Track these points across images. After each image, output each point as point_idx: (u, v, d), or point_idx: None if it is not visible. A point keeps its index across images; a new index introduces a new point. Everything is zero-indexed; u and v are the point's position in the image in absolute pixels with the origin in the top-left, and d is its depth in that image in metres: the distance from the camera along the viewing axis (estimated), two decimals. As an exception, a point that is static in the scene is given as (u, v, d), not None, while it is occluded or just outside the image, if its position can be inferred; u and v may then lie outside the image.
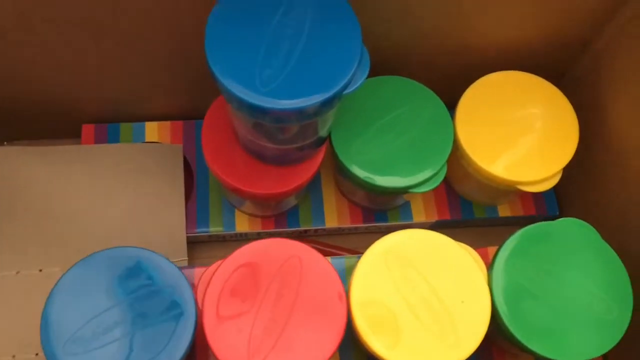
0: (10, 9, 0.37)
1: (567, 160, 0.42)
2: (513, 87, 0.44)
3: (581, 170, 0.47)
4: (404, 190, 0.41)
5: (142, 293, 0.34)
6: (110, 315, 0.34)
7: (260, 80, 0.31)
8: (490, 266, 0.38)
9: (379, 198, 0.46)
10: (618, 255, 0.38)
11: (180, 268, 0.35)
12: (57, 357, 0.33)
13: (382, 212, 0.49)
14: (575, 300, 0.37)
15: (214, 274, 0.35)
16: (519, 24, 0.43)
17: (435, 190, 0.42)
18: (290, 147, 0.37)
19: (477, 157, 0.42)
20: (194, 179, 0.48)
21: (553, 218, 0.44)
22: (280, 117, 0.31)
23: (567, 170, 0.42)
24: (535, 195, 0.50)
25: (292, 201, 0.46)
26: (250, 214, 0.48)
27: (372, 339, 0.34)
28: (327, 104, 0.31)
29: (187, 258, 0.46)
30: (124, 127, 0.49)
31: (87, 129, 0.49)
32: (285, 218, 0.48)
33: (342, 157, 0.41)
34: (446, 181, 0.49)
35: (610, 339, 0.36)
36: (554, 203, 0.50)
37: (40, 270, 0.44)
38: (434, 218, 0.49)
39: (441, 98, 0.43)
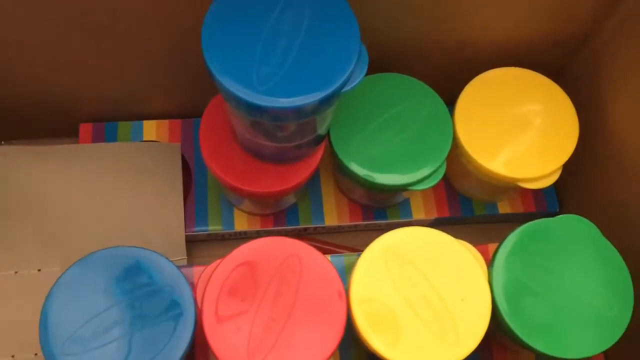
0: (9, 9, 0.37)
1: (567, 157, 0.42)
2: (512, 84, 0.43)
3: (581, 167, 0.47)
4: (404, 187, 0.41)
5: (141, 292, 0.34)
6: (109, 315, 0.34)
7: (258, 79, 0.31)
8: (490, 263, 0.38)
9: (379, 196, 0.46)
10: (618, 251, 0.38)
11: (179, 267, 0.35)
12: (56, 357, 0.33)
13: (381, 210, 0.49)
14: (575, 297, 0.36)
15: (213, 273, 0.35)
16: (518, 21, 0.43)
17: (434, 187, 0.42)
18: (288, 145, 0.37)
19: (476, 154, 0.42)
20: (193, 177, 0.48)
21: (553, 215, 0.44)
22: (278, 116, 0.31)
23: (567, 167, 0.42)
24: (535, 192, 0.50)
25: (291, 199, 0.46)
26: (249, 213, 0.48)
27: (372, 337, 0.34)
28: (325, 102, 0.31)
29: (186, 257, 0.46)
30: (122, 125, 0.49)
31: (85, 128, 0.49)
32: (284, 216, 0.48)
33: (341, 155, 0.41)
34: (445, 178, 0.49)
35: (610, 336, 0.36)
36: (554, 200, 0.50)
37: (39, 270, 0.44)
38: (434, 215, 0.49)
39: (440, 95, 0.43)
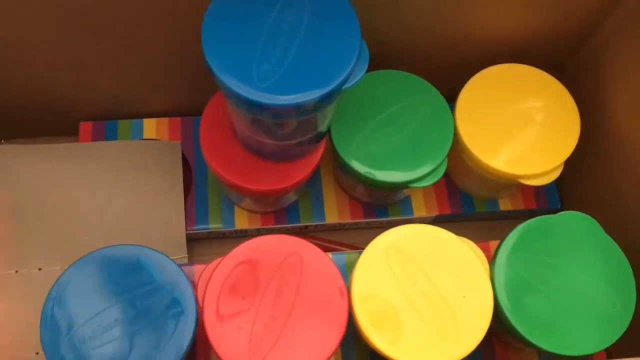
0: (9, 9, 0.37)
1: (569, 154, 0.42)
2: (513, 80, 0.43)
3: (583, 163, 0.47)
4: (405, 185, 0.41)
5: (141, 291, 0.34)
6: (110, 314, 0.34)
7: (258, 76, 0.30)
8: (492, 260, 0.37)
9: (380, 193, 0.46)
10: (621, 248, 0.38)
11: (180, 265, 0.35)
12: (57, 356, 0.33)
13: (382, 207, 0.49)
14: (578, 293, 0.36)
15: (213, 271, 0.35)
16: (519, 16, 0.43)
17: (435, 184, 0.42)
18: (289, 143, 0.37)
19: (477, 150, 0.42)
20: (193, 175, 0.48)
21: (555, 211, 0.43)
22: (279, 113, 0.31)
23: (569, 163, 0.42)
24: (537, 188, 0.50)
25: (292, 197, 0.46)
26: (249, 211, 0.48)
27: (374, 335, 0.34)
28: (325, 99, 0.31)
29: (186, 255, 0.46)
30: (122, 124, 0.49)
31: (85, 127, 0.49)
32: (285, 214, 0.48)
33: (342, 153, 0.41)
34: (447, 175, 0.48)
35: (613, 333, 0.36)
36: (555, 196, 0.50)
37: (40, 269, 0.44)
38: (435, 212, 0.49)
39: (441, 92, 0.42)
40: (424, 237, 0.36)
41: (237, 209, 0.48)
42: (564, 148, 0.42)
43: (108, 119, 0.49)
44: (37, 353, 0.42)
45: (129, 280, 0.35)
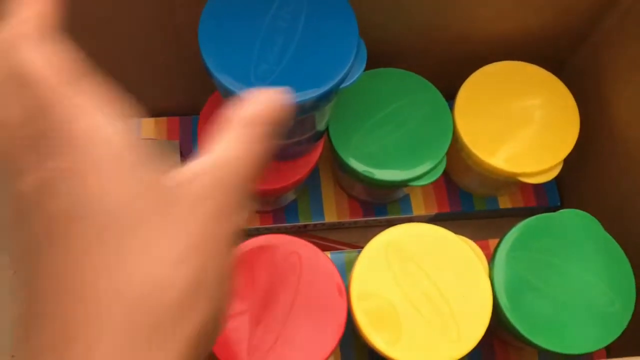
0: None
1: (568, 151, 0.41)
2: (512, 78, 0.43)
3: (583, 161, 0.46)
4: (403, 183, 0.41)
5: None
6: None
7: (256, 76, 0.30)
8: (491, 259, 0.37)
9: (378, 191, 0.46)
10: (621, 245, 0.38)
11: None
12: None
13: (381, 206, 0.48)
14: (577, 292, 0.36)
15: (212, 271, 0.35)
16: (518, 14, 0.43)
17: (434, 182, 0.42)
18: (287, 142, 0.37)
19: (476, 149, 0.42)
20: (192, 175, 0.48)
21: (555, 209, 0.43)
22: (277, 112, 0.31)
23: (569, 161, 0.42)
24: (536, 186, 0.50)
25: (290, 196, 0.46)
26: (248, 210, 0.48)
27: (373, 334, 0.34)
28: (323, 98, 0.31)
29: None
30: (120, 123, 0.49)
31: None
32: (283, 213, 0.48)
33: (341, 151, 0.40)
34: (446, 173, 0.48)
35: (612, 331, 0.36)
36: (555, 194, 0.50)
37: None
38: (434, 211, 0.48)
39: (440, 89, 0.42)
40: (423, 236, 0.36)
41: (235, 208, 0.48)
42: (563, 146, 0.42)
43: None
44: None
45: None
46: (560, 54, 0.47)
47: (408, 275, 0.35)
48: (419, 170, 0.40)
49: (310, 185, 0.48)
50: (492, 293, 0.35)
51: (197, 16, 0.31)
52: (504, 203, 0.49)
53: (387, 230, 0.36)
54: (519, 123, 0.42)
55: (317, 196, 0.48)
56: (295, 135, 0.36)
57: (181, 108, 0.49)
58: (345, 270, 0.41)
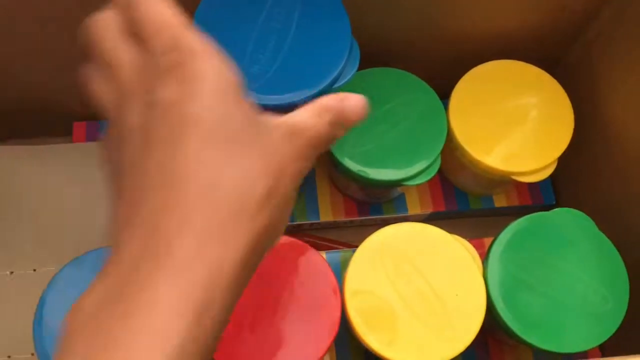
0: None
1: (562, 150, 0.41)
2: (507, 77, 0.43)
3: (577, 159, 0.46)
4: (398, 183, 0.41)
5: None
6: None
7: (249, 77, 0.30)
8: (485, 258, 0.37)
9: (373, 191, 0.46)
10: (615, 243, 0.38)
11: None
12: (51, 357, 0.33)
13: (377, 205, 0.49)
14: (571, 291, 0.36)
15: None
16: (511, 12, 0.43)
17: (430, 181, 0.42)
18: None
19: (471, 148, 0.42)
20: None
21: (550, 207, 0.43)
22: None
23: (564, 159, 0.42)
24: (531, 184, 0.50)
25: (285, 196, 0.46)
26: (244, 209, 0.48)
27: (367, 334, 0.34)
28: (316, 98, 0.31)
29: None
30: (116, 123, 0.49)
31: (78, 127, 0.49)
32: (279, 212, 0.48)
33: (335, 151, 0.41)
34: (441, 172, 0.48)
35: (606, 330, 0.36)
36: (550, 192, 0.50)
37: (35, 270, 0.44)
38: (430, 210, 0.48)
39: (434, 89, 0.42)
40: (416, 235, 0.36)
41: (231, 208, 0.48)
42: (557, 144, 0.42)
43: (101, 119, 0.49)
44: (33, 354, 0.42)
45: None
46: (554, 53, 0.48)
47: (402, 275, 0.35)
48: (413, 169, 0.40)
49: (306, 184, 0.48)
50: (486, 292, 0.36)
51: (190, 16, 0.31)
52: (500, 202, 0.49)
53: (381, 230, 0.37)
54: (513, 122, 0.42)
55: (313, 195, 0.48)
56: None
57: (176, 108, 0.49)
58: (341, 270, 0.41)
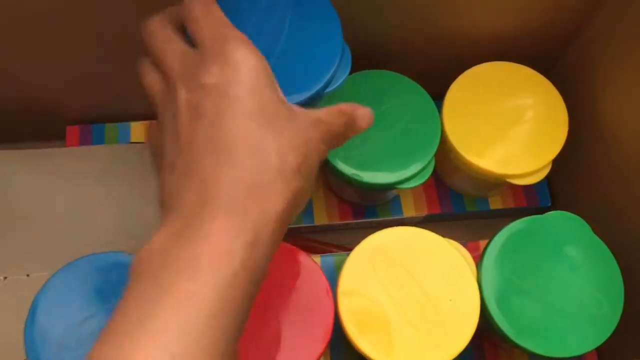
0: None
1: (557, 152, 0.41)
2: (501, 78, 0.43)
3: (573, 161, 0.46)
4: (392, 186, 0.41)
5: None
6: (96, 322, 0.34)
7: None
8: (479, 262, 0.37)
9: (368, 194, 0.46)
10: (610, 246, 0.38)
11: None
12: (42, 365, 0.33)
13: (372, 208, 0.48)
14: (566, 295, 0.36)
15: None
16: (506, 13, 0.42)
17: (425, 183, 0.42)
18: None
19: (464, 150, 0.41)
20: (182, 178, 0.48)
21: (546, 209, 0.43)
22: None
23: (559, 161, 0.42)
24: (527, 187, 0.49)
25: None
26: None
27: (360, 339, 0.34)
28: (308, 103, 0.31)
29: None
30: (109, 127, 0.49)
31: (72, 131, 0.48)
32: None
33: (329, 155, 0.40)
34: (436, 174, 0.48)
35: (601, 334, 0.36)
36: (546, 194, 0.50)
37: (28, 275, 0.43)
38: (425, 212, 0.48)
39: (428, 91, 0.42)
40: (410, 239, 0.36)
41: (226, 212, 0.47)
42: (552, 146, 0.41)
43: (95, 123, 0.49)
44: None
45: (116, 288, 0.34)
46: (550, 54, 0.47)
47: (395, 280, 0.35)
48: (407, 172, 0.40)
49: (301, 187, 0.48)
50: (480, 297, 0.35)
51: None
52: (495, 204, 0.49)
53: (374, 235, 0.36)
54: (507, 124, 0.42)
55: (307, 199, 0.48)
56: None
57: (170, 111, 0.49)
58: (335, 274, 0.41)
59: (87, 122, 0.49)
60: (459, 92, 0.43)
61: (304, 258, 0.36)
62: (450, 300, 0.35)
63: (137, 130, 0.49)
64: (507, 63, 0.43)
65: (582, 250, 0.37)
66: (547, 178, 0.43)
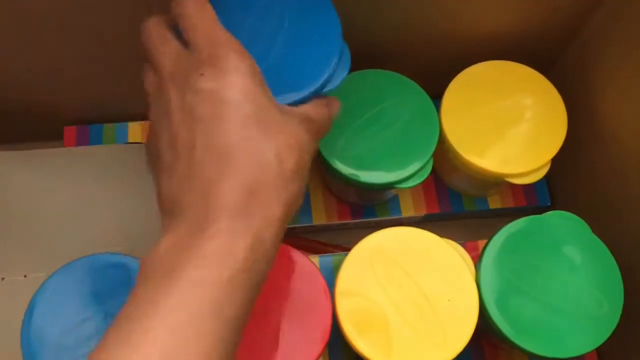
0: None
1: (556, 151, 0.41)
2: (499, 78, 0.43)
3: (572, 160, 0.46)
4: (390, 186, 0.40)
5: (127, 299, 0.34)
6: (93, 323, 0.33)
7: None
8: (477, 262, 0.37)
9: (366, 193, 0.46)
10: (609, 245, 0.37)
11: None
12: (39, 365, 0.32)
13: (370, 208, 0.48)
14: (565, 295, 0.36)
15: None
16: (504, 13, 0.42)
17: (423, 183, 0.42)
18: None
19: (463, 150, 0.41)
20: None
21: (545, 209, 0.43)
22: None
23: (558, 160, 0.42)
24: (526, 186, 0.49)
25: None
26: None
27: (358, 339, 0.34)
28: (306, 102, 0.31)
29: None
30: (107, 127, 0.49)
31: (69, 131, 0.48)
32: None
33: (326, 154, 0.40)
34: (435, 173, 0.48)
35: (601, 334, 0.35)
36: (545, 194, 0.50)
37: (25, 276, 0.43)
38: (423, 212, 0.48)
39: (426, 90, 0.42)
40: (408, 239, 0.36)
41: (224, 212, 0.47)
42: (550, 146, 0.41)
43: (92, 123, 0.49)
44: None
45: (113, 289, 0.34)
46: (550, 54, 0.47)
47: (393, 280, 0.35)
48: (405, 172, 0.40)
49: (299, 187, 0.48)
50: (478, 297, 0.35)
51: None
52: (494, 203, 0.49)
53: (372, 235, 0.36)
54: (505, 123, 0.42)
55: (305, 199, 0.48)
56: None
57: (168, 111, 0.49)
58: (333, 274, 0.41)
59: (84, 123, 0.49)
60: (457, 91, 0.42)
61: (301, 259, 0.35)
62: (448, 300, 0.35)
63: (135, 130, 0.49)
64: (505, 62, 0.43)
65: (581, 250, 0.37)
66: (547, 178, 0.43)
